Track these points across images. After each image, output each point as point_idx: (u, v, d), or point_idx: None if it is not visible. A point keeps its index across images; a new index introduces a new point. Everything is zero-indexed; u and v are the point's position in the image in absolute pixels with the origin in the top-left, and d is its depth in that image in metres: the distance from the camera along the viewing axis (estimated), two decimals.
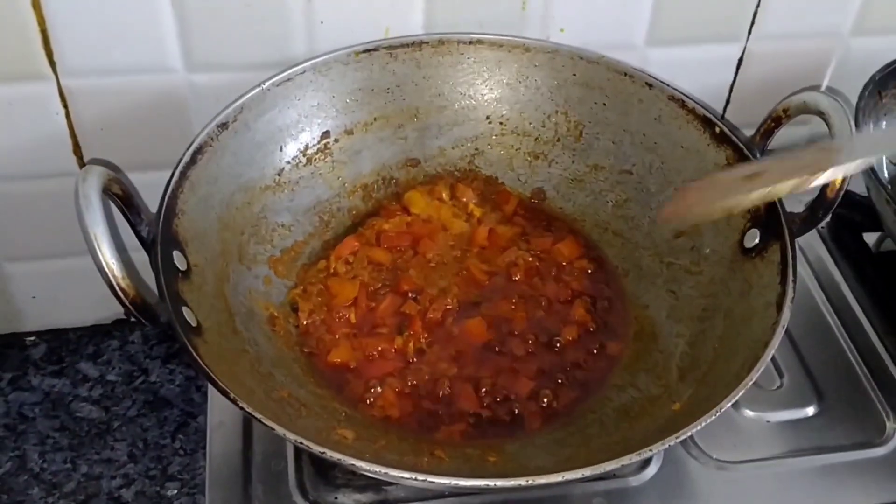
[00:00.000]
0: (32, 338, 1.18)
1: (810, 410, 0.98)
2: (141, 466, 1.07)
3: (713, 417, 0.74)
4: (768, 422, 0.97)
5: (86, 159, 1.03)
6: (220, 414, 0.94)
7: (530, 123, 1.08)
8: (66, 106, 0.99)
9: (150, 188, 0.90)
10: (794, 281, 0.85)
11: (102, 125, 1.01)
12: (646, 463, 0.92)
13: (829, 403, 0.98)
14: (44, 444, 1.08)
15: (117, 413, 1.11)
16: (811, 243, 1.14)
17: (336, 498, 0.88)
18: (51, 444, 1.08)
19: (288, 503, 0.88)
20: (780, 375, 1.01)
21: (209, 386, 0.81)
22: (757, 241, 0.91)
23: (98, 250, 0.71)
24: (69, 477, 1.05)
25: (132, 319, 0.78)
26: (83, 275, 0.74)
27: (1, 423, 1.09)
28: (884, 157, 1.12)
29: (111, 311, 1.16)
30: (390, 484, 0.88)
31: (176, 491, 1.05)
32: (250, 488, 0.89)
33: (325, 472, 0.90)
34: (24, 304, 1.15)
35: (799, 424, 0.97)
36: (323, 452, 0.70)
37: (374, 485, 0.88)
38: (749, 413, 0.97)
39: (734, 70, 1.16)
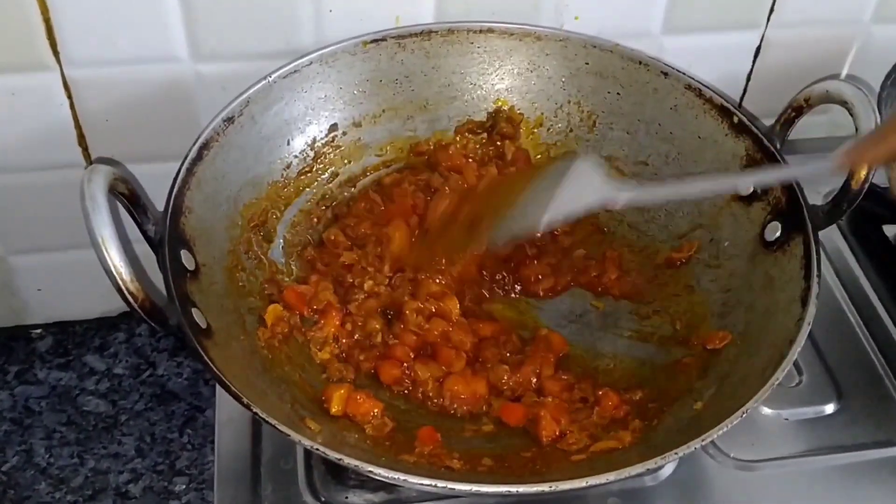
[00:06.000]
0: (38, 330, 1.18)
1: (830, 408, 0.97)
2: (149, 461, 1.06)
3: (739, 419, 0.73)
4: (787, 420, 0.96)
5: (91, 150, 1.02)
6: (228, 411, 0.94)
7: (542, 114, 1.06)
8: (70, 96, 0.98)
9: (156, 180, 0.89)
10: (819, 276, 0.83)
11: (107, 116, 1.00)
12: None
13: (849, 401, 0.97)
14: (50, 438, 1.08)
15: (124, 407, 1.11)
16: (830, 236, 1.12)
17: (347, 497, 0.88)
18: (58, 438, 1.08)
19: (298, 502, 0.87)
20: (799, 372, 0.99)
21: None
22: (778, 234, 0.90)
23: (106, 253, 0.70)
24: (76, 472, 1.05)
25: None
26: (89, 267, 0.74)
27: (7, 417, 1.09)
28: None
29: (117, 303, 1.12)
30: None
31: (184, 486, 1.05)
32: (259, 487, 0.88)
33: (337, 472, 0.89)
34: (29, 297, 1.15)
35: (818, 422, 0.96)
36: (340, 459, 0.69)
37: (386, 485, 0.88)
38: (767, 411, 0.96)
39: (752, 58, 1.14)
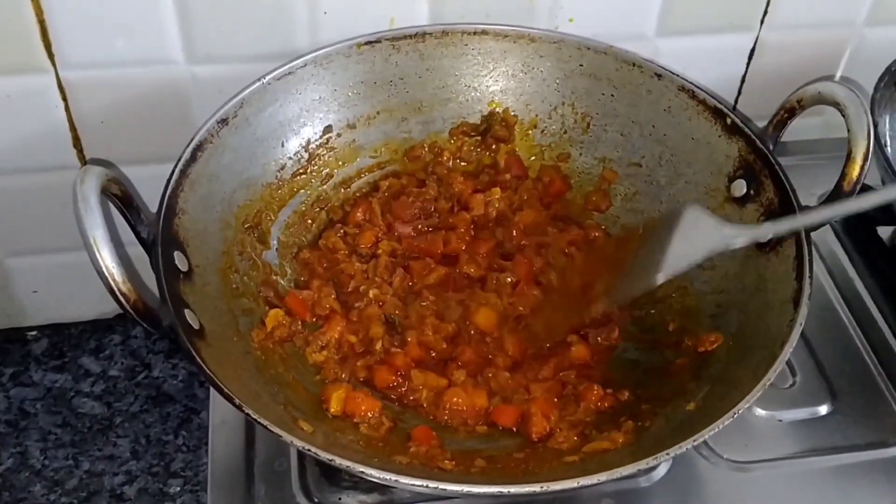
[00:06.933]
0: (34, 332, 1.17)
1: (823, 409, 0.97)
2: (143, 463, 1.06)
3: (731, 419, 0.73)
4: (780, 421, 0.96)
5: (86, 152, 1.02)
6: (222, 413, 0.93)
7: (536, 115, 1.06)
8: (65, 99, 0.98)
9: (151, 182, 0.89)
10: (811, 277, 0.84)
11: (102, 118, 1.00)
12: None
13: (843, 402, 0.97)
14: (45, 440, 1.08)
15: (119, 409, 1.11)
16: (824, 238, 1.12)
17: (340, 499, 0.88)
18: (52, 440, 1.08)
19: None
20: (793, 374, 0.99)
21: None
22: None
23: (98, 254, 0.70)
24: (71, 474, 1.05)
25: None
26: (84, 269, 0.74)
27: (2, 419, 1.09)
28: None
29: (113, 305, 1.11)
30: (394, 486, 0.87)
31: (179, 488, 1.05)
32: (253, 488, 0.88)
33: (330, 473, 0.89)
34: (25, 299, 1.15)
35: (812, 424, 0.96)
36: (332, 460, 0.69)
37: (380, 486, 0.87)
38: (761, 412, 0.96)
39: (746, 60, 1.14)
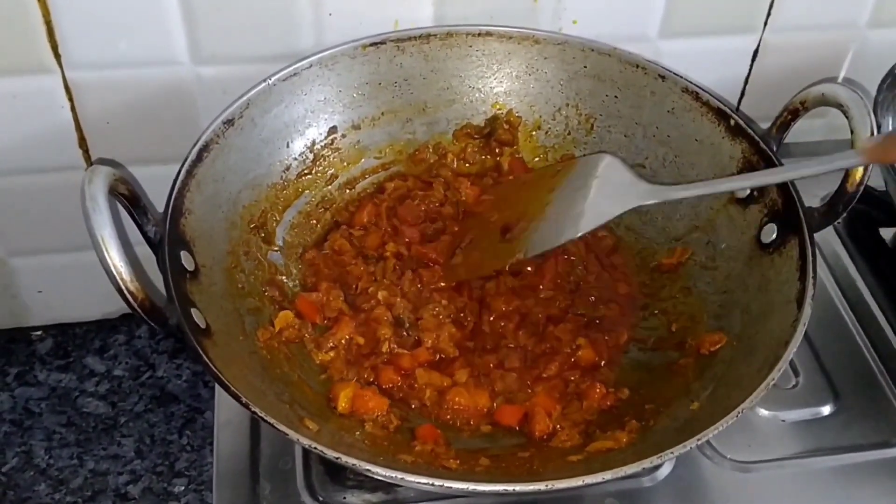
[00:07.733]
0: (38, 332, 1.18)
1: (826, 409, 0.97)
2: (148, 462, 1.07)
3: (735, 419, 0.73)
4: (783, 421, 0.96)
5: (91, 153, 1.03)
6: (227, 412, 0.94)
7: (540, 117, 1.07)
8: (71, 99, 0.98)
9: (156, 183, 0.89)
10: (815, 277, 0.84)
11: (108, 118, 1.01)
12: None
13: (846, 402, 0.97)
14: (50, 439, 1.08)
15: (124, 408, 1.11)
16: (827, 238, 1.12)
17: (345, 498, 0.88)
18: (57, 439, 1.08)
19: (296, 502, 0.87)
20: (796, 374, 1.00)
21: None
22: (774, 236, 0.90)
23: (106, 253, 0.70)
24: (76, 473, 1.05)
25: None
26: (89, 269, 0.74)
27: (7, 419, 1.09)
28: None
29: (118, 305, 1.14)
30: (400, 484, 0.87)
31: (183, 487, 1.05)
32: (258, 487, 0.88)
33: (335, 472, 0.89)
34: (29, 299, 1.15)
35: (815, 424, 0.96)
36: (338, 458, 0.69)
37: (384, 485, 0.88)
38: (764, 412, 0.96)
39: (749, 62, 1.14)
